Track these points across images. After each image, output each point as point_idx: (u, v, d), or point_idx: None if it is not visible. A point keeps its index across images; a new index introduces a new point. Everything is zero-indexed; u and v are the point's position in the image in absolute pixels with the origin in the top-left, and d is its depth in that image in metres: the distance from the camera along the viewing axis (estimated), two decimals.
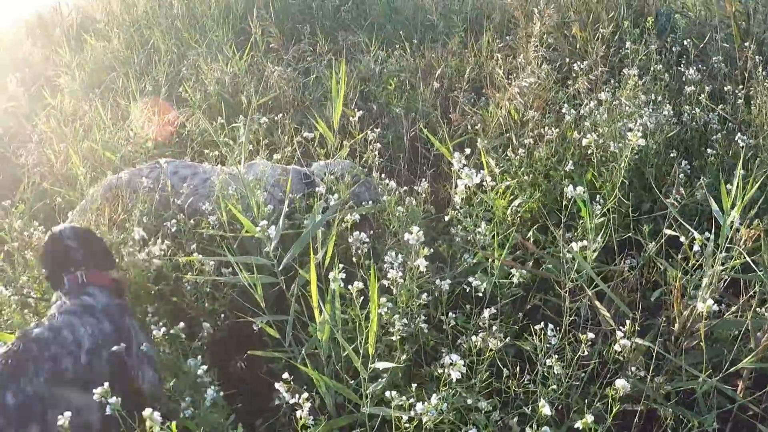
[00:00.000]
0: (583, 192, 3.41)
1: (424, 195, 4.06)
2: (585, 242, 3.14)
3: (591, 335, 2.83)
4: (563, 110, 4.64)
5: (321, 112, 5.86)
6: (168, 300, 3.88)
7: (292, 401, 2.58)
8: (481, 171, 3.63)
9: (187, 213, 4.44)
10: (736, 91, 5.11)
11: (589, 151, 4.46)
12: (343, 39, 7.39)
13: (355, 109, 4.81)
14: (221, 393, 3.03)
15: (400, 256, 3.34)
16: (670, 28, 6.65)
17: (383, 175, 4.39)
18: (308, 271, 3.14)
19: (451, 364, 2.59)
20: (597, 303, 3.22)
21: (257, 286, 3.18)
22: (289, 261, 3.39)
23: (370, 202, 4.22)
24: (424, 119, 5.53)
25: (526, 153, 4.35)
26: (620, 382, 2.57)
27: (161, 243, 3.94)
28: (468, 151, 3.76)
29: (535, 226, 4.01)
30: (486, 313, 3.08)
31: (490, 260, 3.46)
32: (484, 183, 3.63)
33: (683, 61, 5.63)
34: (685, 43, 5.70)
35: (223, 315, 3.86)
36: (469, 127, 5.06)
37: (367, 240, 3.47)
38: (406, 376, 3.15)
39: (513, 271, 3.36)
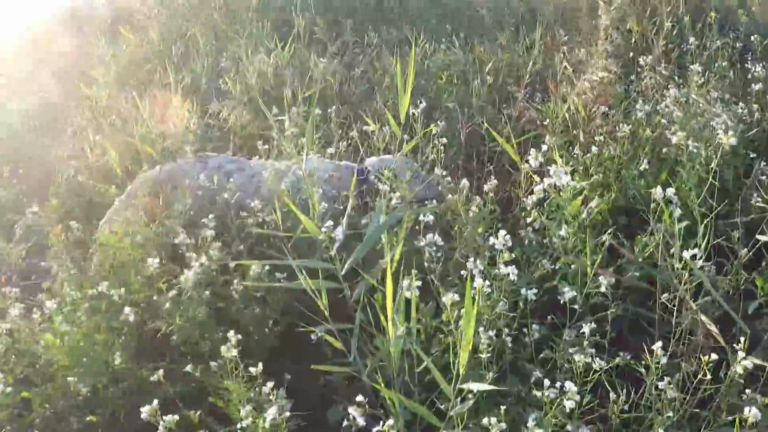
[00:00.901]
0: (674, 194, 3.04)
1: (491, 194, 3.67)
2: (695, 250, 2.75)
3: (713, 356, 2.44)
4: (636, 106, 4.24)
5: (369, 105, 5.49)
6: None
7: (375, 430, 2.20)
8: (561, 169, 3.24)
9: (233, 210, 4.08)
10: None
11: (664, 150, 4.08)
12: (387, 33, 6.99)
13: (418, 101, 4.45)
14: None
15: (479, 262, 2.95)
16: (731, 24, 6.22)
17: (445, 173, 3.99)
18: (375, 276, 2.77)
19: (561, 389, 2.21)
20: (704, 317, 2.82)
21: (321, 293, 2.79)
22: (352, 264, 3.01)
23: (434, 201, 3.84)
24: (480, 115, 5.13)
25: (598, 151, 3.96)
26: (753, 411, 2.19)
27: (213, 243, 3.56)
28: (533, 149, 3.42)
29: (608, 230, 3.60)
30: (586, 328, 2.70)
31: (572, 266, 3.08)
32: (559, 183, 3.23)
33: (748, 58, 5.22)
34: (752, 39, 5.28)
35: (272, 321, 3.49)
36: (529, 123, 4.66)
37: (442, 243, 3.09)
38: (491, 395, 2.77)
39: (602, 279, 2.96)
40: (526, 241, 3.55)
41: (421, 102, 5.53)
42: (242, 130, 5.47)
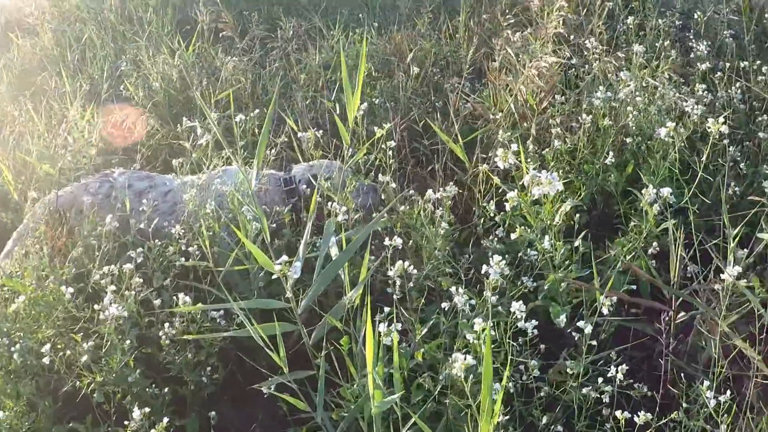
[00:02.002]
0: (670, 194, 2.65)
1: (449, 203, 3.20)
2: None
3: None
4: (596, 93, 3.82)
5: (289, 106, 4.98)
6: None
7: None
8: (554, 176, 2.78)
9: (149, 236, 3.53)
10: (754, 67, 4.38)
11: (628, 140, 3.69)
12: (297, 25, 6.43)
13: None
14: None
15: (466, 295, 2.48)
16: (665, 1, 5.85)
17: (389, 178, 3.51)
18: (337, 316, 2.29)
19: None
20: (740, 342, 2.40)
21: (278, 345, 2.28)
22: (309, 303, 2.51)
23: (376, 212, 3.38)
24: (410, 110, 4.66)
25: (560, 145, 3.55)
26: None
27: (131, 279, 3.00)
28: (501, 148, 3.00)
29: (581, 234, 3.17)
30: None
31: (563, 284, 2.65)
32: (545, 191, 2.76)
33: (690, 37, 4.90)
34: (695, 16, 4.95)
35: (210, 367, 2.96)
36: (472, 117, 4.21)
37: (415, 271, 2.62)
38: None
39: (605, 300, 2.52)
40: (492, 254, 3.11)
41: (342, 98, 5.05)
42: (149, 140, 4.88)
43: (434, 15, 6.07)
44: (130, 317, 2.85)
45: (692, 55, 4.59)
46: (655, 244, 3.03)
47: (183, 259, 3.24)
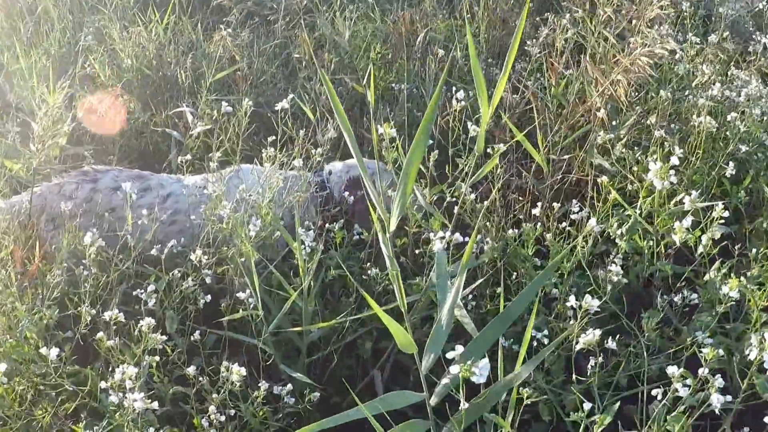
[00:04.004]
0: None
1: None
2: None
3: None
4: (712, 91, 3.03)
5: (291, 89, 4.08)
6: None
7: None
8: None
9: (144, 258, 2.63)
10: None
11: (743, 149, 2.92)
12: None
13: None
14: None
15: None
16: None
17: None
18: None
19: None
20: None
21: None
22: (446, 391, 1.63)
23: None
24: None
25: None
26: None
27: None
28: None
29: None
30: None
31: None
32: None
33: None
34: None
35: None
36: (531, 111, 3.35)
37: None
38: None
39: None
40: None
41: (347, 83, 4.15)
42: (130, 128, 3.93)
43: None
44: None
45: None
46: None
47: (209, 296, 2.33)
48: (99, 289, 2.29)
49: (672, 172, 2.22)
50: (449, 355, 1.44)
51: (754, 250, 2.39)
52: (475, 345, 1.55)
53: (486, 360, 1.40)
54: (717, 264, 2.33)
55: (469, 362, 1.38)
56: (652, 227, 2.55)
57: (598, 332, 1.77)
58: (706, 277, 2.38)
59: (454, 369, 1.39)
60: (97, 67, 4.38)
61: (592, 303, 1.79)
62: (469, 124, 2.65)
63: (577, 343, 1.77)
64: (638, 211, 2.60)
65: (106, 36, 4.72)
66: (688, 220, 2.10)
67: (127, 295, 2.50)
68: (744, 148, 2.90)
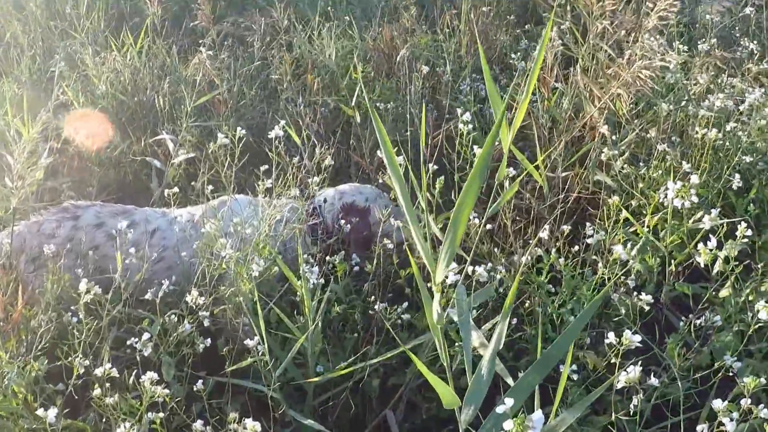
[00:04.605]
0: None
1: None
2: None
3: None
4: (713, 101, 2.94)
5: (274, 112, 3.93)
6: None
7: None
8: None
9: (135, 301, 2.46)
10: None
11: (747, 159, 2.82)
12: (258, 17, 5.27)
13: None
14: None
15: None
16: None
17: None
18: None
19: None
20: None
21: None
22: None
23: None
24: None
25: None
26: None
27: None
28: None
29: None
30: None
31: None
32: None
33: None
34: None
35: None
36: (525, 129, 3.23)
37: None
38: None
39: None
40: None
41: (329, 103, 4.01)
42: (106, 157, 3.77)
43: (418, 9, 5.07)
44: None
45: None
46: None
47: (208, 340, 2.17)
48: (89, 337, 2.12)
49: (693, 191, 2.11)
50: (499, 409, 1.31)
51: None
52: (513, 394, 1.42)
53: (540, 413, 1.28)
54: (731, 280, 2.23)
55: (522, 416, 1.25)
56: (662, 244, 2.45)
57: (638, 369, 1.64)
58: (723, 294, 2.28)
59: (507, 425, 1.26)
60: (70, 95, 4.21)
61: (633, 339, 1.67)
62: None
63: (618, 381, 1.64)
64: (646, 229, 2.50)
65: (79, 62, 4.55)
66: (713, 241, 1.99)
67: (118, 340, 2.34)
68: (748, 158, 2.80)
